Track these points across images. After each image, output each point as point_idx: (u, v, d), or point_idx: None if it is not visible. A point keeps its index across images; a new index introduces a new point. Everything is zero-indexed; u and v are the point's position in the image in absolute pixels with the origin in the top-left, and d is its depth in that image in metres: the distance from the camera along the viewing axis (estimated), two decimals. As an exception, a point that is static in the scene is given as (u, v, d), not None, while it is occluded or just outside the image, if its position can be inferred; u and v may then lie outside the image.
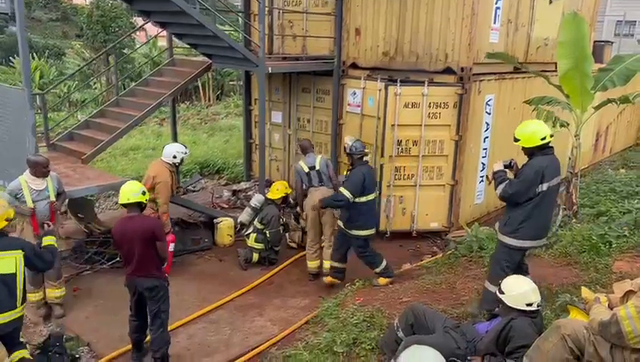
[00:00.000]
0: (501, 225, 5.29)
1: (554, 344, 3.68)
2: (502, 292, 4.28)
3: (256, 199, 8.36)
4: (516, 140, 5.14)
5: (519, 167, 5.25)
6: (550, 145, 5.07)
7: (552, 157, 5.10)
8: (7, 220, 4.43)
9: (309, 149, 7.70)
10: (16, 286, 4.35)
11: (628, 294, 3.70)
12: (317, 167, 7.37)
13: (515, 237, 5.09)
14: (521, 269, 5.24)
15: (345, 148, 6.99)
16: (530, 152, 5.08)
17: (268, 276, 7.53)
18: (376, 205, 6.97)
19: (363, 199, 6.58)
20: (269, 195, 8.14)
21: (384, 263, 6.86)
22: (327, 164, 7.54)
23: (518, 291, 4.21)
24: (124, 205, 5.19)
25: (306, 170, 7.43)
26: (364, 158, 6.84)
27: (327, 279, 7.10)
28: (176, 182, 7.65)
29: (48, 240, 4.94)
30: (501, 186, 5.12)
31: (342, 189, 6.58)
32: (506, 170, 5.26)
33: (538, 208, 5.01)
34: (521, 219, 5.05)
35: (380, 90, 8.66)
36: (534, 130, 5.04)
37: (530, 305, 4.17)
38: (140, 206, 5.18)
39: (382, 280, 6.80)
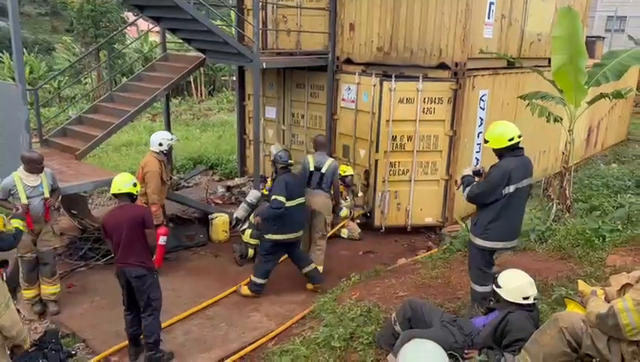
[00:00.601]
0: (471, 226, 5.30)
1: (552, 337, 3.71)
2: (499, 286, 4.30)
3: (252, 195, 8.30)
4: (486, 142, 5.15)
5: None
6: (520, 145, 5.04)
7: (523, 158, 5.07)
8: None
9: (322, 147, 7.58)
10: None
11: (625, 287, 3.72)
12: (323, 170, 7.23)
13: (485, 239, 5.08)
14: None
15: (270, 155, 6.95)
16: (500, 153, 5.06)
17: (264, 271, 7.51)
18: (299, 213, 6.81)
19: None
20: (265, 191, 8.10)
21: (262, 280, 6.72)
22: (334, 171, 7.34)
23: (515, 285, 4.23)
24: (115, 195, 5.34)
25: (312, 168, 7.32)
26: (289, 168, 6.83)
27: (310, 286, 7.01)
28: (167, 173, 7.57)
29: (14, 223, 5.07)
30: (468, 188, 5.14)
31: (274, 196, 6.54)
32: (475, 176, 5.27)
33: (506, 209, 4.98)
34: (488, 220, 5.02)
35: (374, 86, 8.67)
36: (502, 132, 5.02)
37: (526, 298, 4.19)
38: (130, 197, 5.30)
39: (244, 289, 6.79)
